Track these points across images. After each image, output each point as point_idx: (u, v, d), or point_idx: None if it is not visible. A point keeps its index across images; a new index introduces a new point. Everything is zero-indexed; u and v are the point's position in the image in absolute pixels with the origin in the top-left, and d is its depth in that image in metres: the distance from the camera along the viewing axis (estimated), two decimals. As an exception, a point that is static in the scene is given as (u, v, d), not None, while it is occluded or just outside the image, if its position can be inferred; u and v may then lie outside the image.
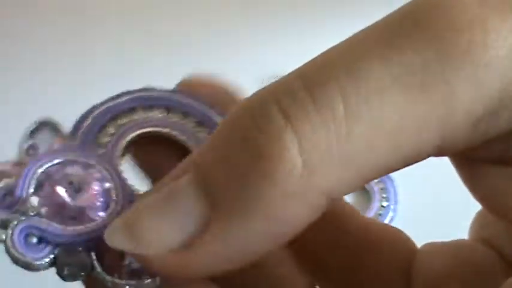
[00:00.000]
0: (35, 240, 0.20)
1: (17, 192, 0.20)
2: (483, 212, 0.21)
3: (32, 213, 0.20)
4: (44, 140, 0.22)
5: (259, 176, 0.15)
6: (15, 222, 0.20)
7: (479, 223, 0.21)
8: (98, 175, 0.21)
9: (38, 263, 0.19)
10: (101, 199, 0.21)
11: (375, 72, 0.15)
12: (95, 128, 0.22)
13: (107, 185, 0.21)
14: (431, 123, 0.16)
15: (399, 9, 0.16)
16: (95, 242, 0.20)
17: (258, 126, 0.16)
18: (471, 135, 0.16)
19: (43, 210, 0.20)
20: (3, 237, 0.20)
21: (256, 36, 0.59)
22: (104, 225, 0.19)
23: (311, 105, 0.15)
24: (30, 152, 0.22)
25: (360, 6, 0.59)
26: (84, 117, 0.22)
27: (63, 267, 0.20)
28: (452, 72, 0.15)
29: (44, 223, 0.20)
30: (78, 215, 0.20)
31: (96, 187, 0.21)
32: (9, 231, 0.20)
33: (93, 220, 0.20)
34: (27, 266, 0.19)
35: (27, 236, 0.20)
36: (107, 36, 0.62)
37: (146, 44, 0.61)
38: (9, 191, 0.20)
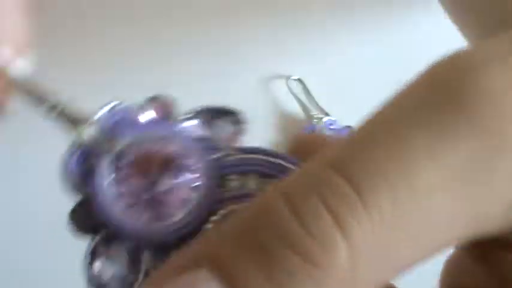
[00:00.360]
0: (87, 168, 0.20)
1: (123, 129, 0.21)
2: (451, 260, 0.21)
3: (109, 155, 0.20)
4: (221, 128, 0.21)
5: (306, 281, 0.14)
6: (97, 145, 0.20)
7: (448, 272, 0.21)
8: (198, 180, 0.20)
9: (66, 182, 0.20)
10: (182, 201, 0.20)
11: (423, 171, 0.15)
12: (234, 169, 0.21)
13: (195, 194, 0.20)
14: (470, 217, 0.15)
15: (434, 81, 0.16)
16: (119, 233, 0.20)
17: (305, 226, 0.15)
18: (504, 223, 0.16)
19: (125, 168, 0.20)
20: (84, 137, 0.20)
21: (256, 36, 0.59)
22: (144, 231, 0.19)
23: (360, 204, 0.15)
24: (198, 119, 0.21)
25: (360, 7, 0.59)
26: (249, 151, 0.21)
27: (74, 216, 0.20)
28: (496, 165, 0.15)
29: (103, 174, 0.20)
30: (151, 202, 0.20)
31: (184, 188, 0.20)
32: (85, 141, 0.20)
33: (162, 218, 0.20)
34: (61, 172, 0.20)
35: (87, 159, 0.20)
36: (108, 39, 0.62)
37: (146, 45, 0.61)
38: (126, 121, 0.21)
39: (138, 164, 0.20)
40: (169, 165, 0.20)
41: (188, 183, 0.20)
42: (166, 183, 0.20)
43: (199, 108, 0.21)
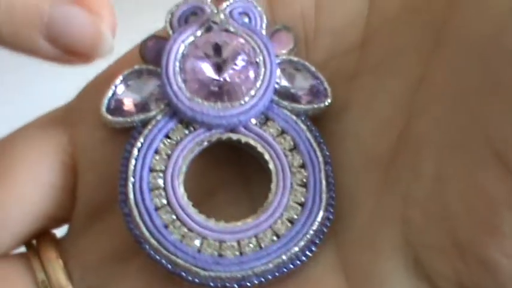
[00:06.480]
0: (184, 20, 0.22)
1: (241, 20, 0.22)
2: None
3: (206, 23, 0.21)
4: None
5: None
6: (209, 9, 0.22)
7: None
8: (247, 47, 0.21)
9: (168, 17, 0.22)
10: (246, 75, 0.21)
11: None
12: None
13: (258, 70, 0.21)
14: None
15: None
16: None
17: None
18: None
19: (202, 46, 0.21)
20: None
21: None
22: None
23: None
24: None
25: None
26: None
27: (148, 42, 0.22)
28: None
29: (186, 33, 0.21)
30: (220, 89, 0.21)
31: (243, 60, 0.21)
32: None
33: (236, 97, 0.21)
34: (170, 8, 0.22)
35: (189, 16, 0.22)
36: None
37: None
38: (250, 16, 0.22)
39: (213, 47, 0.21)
40: (237, 58, 0.21)
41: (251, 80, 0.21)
42: (231, 70, 0.21)
43: (286, 58, 0.22)
